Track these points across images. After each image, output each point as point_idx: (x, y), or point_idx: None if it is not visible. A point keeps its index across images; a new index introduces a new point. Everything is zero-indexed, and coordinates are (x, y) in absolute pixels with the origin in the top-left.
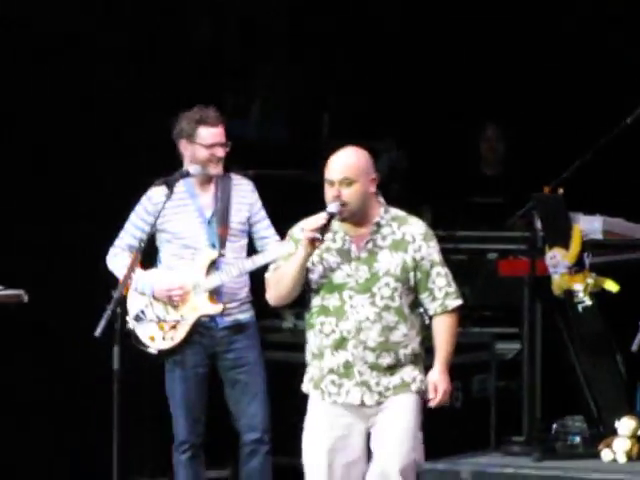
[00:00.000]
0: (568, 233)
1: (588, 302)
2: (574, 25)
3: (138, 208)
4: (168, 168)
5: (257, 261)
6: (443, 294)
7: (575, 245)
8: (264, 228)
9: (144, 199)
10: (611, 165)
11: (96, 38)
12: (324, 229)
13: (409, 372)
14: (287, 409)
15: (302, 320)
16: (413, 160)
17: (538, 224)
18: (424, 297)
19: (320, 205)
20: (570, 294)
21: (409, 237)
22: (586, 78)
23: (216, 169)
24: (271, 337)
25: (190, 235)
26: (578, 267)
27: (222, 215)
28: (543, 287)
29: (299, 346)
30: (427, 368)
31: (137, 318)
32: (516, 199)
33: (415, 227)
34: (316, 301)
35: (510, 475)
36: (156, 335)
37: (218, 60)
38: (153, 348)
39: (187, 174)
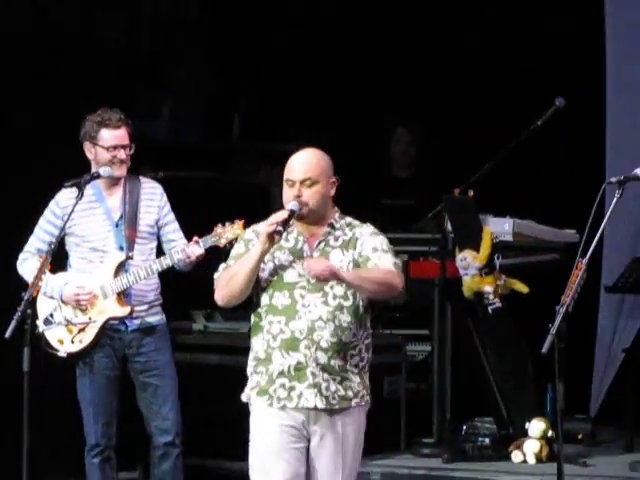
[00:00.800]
0: (478, 235)
1: (498, 304)
2: (483, 28)
3: (46, 211)
4: (80, 170)
5: (164, 262)
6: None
7: (485, 247)
8: (172, 231)
9: (52, 202)
10: (521, 167)
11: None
12: (285, 225)
13: (355, 385)
14: (198, 411)
15: (212, 322)
16: None
17: (448, 226)
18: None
19: (230, 206)
20: (480, 296)
21: (358, 235)
22: (497, 81)
23: (119, 171)
24: (181, 339)
25: (98, 238)
26: (488, 269)
27: (130, 218)
28: (453, 289)
29: (210, 348)
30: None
31: (46, 321)
32: (427, 201)
33: (364, 228)
34: (264, 300)
35: (420, 476)
36: (65, 338)
37: (130, 60)
38: (62, 351)
39: (97, 176)
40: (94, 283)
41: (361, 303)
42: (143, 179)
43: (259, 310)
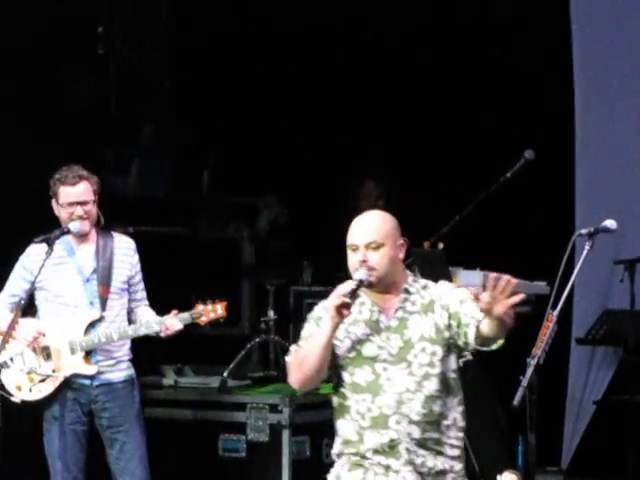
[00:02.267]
0: None
1: (469, 356)
2: (451, 81)
3: (17, 266)
4: (50, 224)
5: (140, 331)
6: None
7: None
8: (139, 290)
9: (22, 257)
10: (491, 219)
11: None
12: (353, 296)
13: (449, 459)
14: (170, 466)
15: (183, 376)
16: (294, 216)
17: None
18: (467, 333)
19: (199, 260)
20: None
21: (435, 296)
22: (466, 133)
23: (83, 226)
24: (152, 394)
25: (69, 293)
26: None
27: (103, 274)
28: None
29: (180, 403)
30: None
31: (4, 364)
32: None
33: (440, 286)
34: (346, 378)
35: None
36: (24, 385)
37: (98, 116)
38: (17, 397)
39: (67, 231)
40: (62, 336)
41: (451, 368)
42: (115, 234)
43: (342, 390)
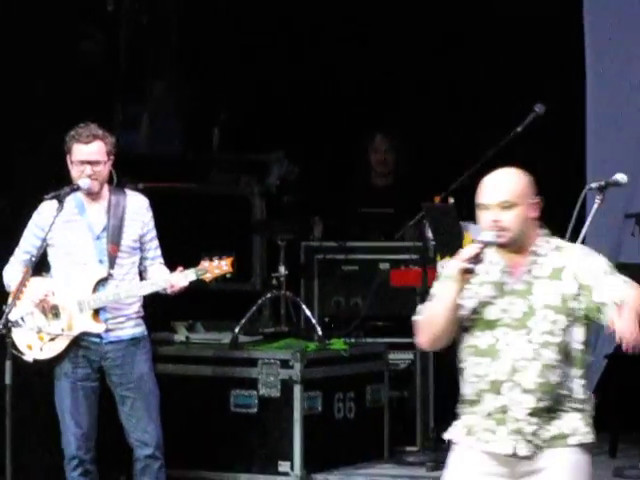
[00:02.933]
0: (459, 242)
1: None
2: (461, 36)
3: (30, 223)
4: (62, 181)
5: (147, 288)
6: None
7: None
8: (152, 249)
9: (35, 214)
10: None
11: None
12: (477, 259)
13: (570, 422)
14: (181, 422)
15: (194, 332)
16: (304, 172)
17: (429, 234)
18: (600, 313)
19: (210, 216)
20: None
21: (567, 261)
22: (476, 87)
23: (92, 185)
24: (163, 350)
25: (78, 251)
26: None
27: (114, 232)
28: None
29: (191, 359)
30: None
31: (15, 324)
32: (407, 209)
33: (576, 250)
34: (467, 340)
35: None
36: (34, 344)
37: (109, 73)
38: (29, 356)
39: (77, 188)
40: (71, 294)
41: (575, 338)
42: (129, 192)
43: (464, 351)
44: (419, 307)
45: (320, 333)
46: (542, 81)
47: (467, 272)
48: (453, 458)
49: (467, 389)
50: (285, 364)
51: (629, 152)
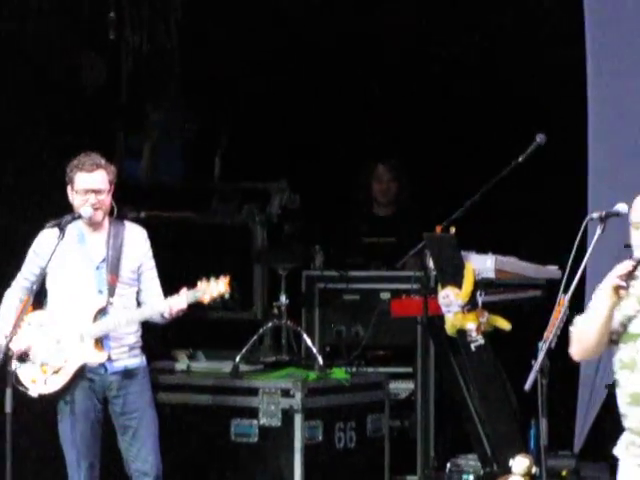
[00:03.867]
0: (460, 272)
1: (481, 341)
2: (465, 64)
3: (30, 251)
4: (66, 212)
5: (146, 313)
6: None
7: (467, 284)
8: (150, 279)
9: (35, 242)
10: (503, 204)
11: None
12: (630, 276)
13: None
14: (183, 451)
15: (196, 361)
16: (305, 201)
17: (430, 263)
18: None
19: (211, 246)
20: (463, 333)
21: None
22: (478, 117)
23: (95, 215)
24: (165, 379)
25: (77, 280)
26: (471, 306)
27: (113, 263)
28: (436, 326)
29: (192, 388)
30: None
31: (20, 359)
32: (408, 239)
33: None
34: (616, 353)
35: None
36: (38, 378)
37: (111, 101)
38: (33, 391)
39: (78, 217)
40: (72, 325)
41: None
42: (128, 223)
43: (614, 365)
44: (576, 318)
45: (321, 362)
46: (544, 111)
47: (619, 289)
48: (619, 475)
49: (619, 401)
50: (286, 393)
51: (631, 182)
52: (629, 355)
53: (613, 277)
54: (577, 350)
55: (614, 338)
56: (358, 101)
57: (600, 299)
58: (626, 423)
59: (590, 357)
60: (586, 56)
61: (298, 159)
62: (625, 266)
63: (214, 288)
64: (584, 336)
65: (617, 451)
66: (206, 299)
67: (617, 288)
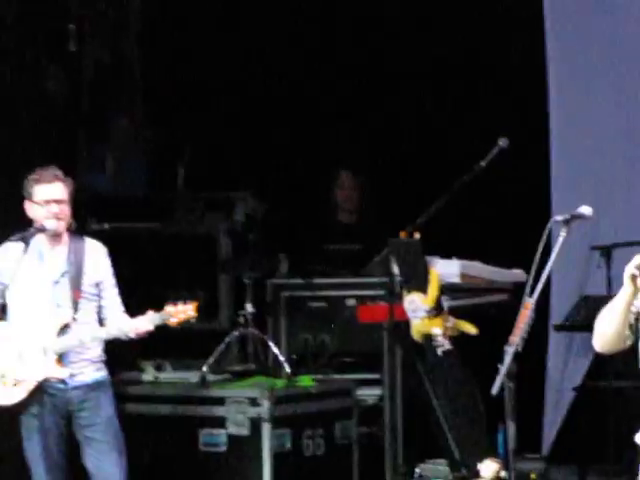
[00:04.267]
0: (425, 277)
1: (448, 346)
2: (427, 69)
3: None
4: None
5: (111, 332)
6: None
7: (433, 289)
8: (112, 295)
9: None
10: (468, 208)
11: None
12: None
13: None
14: (150, 461)
15: (162, 371)
16: (269, 209)
17: (395, 269)
18: None
19: (175, 256)
20: (429, 338)
21: None
22: (438, 122)
23: (58, 226)
24: (132, 389)
25: (37, 294)
26: (437, 311)
27: (74, 278)
28: (402, 332)
29: (160, 398)
30: None
31: None
32: (373, 245)
33: None
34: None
35: None
36: None
37: (72, 113)
38: None
39: (42, 229)
40: (34, 339)
41: None
42: (87, 239)
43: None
44: (600, 312)
45: (288, 370)
46: (506, 115)
47: (634, 278)
48: None
49: None
50: (253, 402)
51: (594, 184)
52: None
53: (630, 267)
54: (599, 342)
55: (631, 331)
56: (321, 109)
57: (620, 291)
58: None
59: (611, 349)
60: (547, 58)
61: (262, 168)
62: None
63: (182, 312)
64: (604, 328)
65: (638, 438)
66: (174, 322)
67: (634, 277)
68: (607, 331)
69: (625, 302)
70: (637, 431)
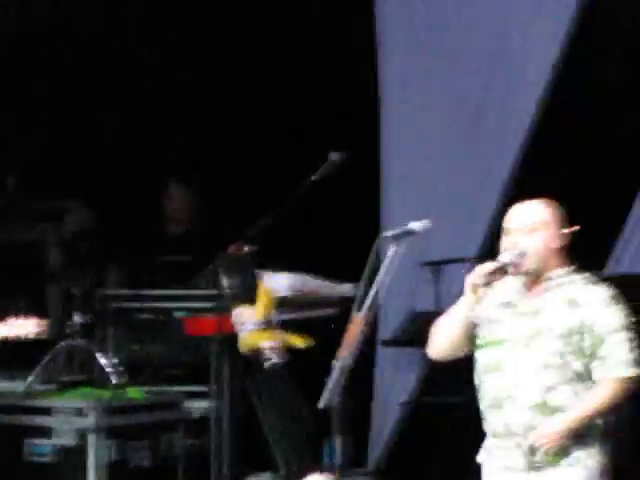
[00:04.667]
0: (254, 290)
1: (276, 359)
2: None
3: None
4: None
5: None
6: (613, 362)
7: (261, 302)
8: None
9: None
10: (299, 222)
11: None
12: (490, 278)
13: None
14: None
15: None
16: (100, 219)
17: (224, 282)
18: (594, 365)
19: (3, 263)
20: (257, 351)
21: (583, 300)
22: (271, 135)
23: None
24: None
25: None
26: (265, 324)
27: None
28: (230, 345)
29: (34, 409)
30: None
31: None
32: (202, 257)
33: (596, 291)
34: (479, 358)
35: None
36: None
37: None
38: None
39: None
40: None
41: (574, 365)
42: None
43: (477, 369)
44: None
45: (115, 381)
46: (338, 129)
47: (475, 287)
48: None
49: (480, 407)
50: (80, 413)
51: (424, 199)
52: (494, 359)
53: (473, 277)
54: (434, 349)
55: (477, 342)
56: (152, 118)
57: (460, 299)
58: (488, 428)
59: (445, 357)
60: (379, 73)
61: (93, 177)
62: (486, 266)
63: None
64: (441, 335)
65: (480, 458)
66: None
67: (475, 287)
68: (444, 338)
69: (464, 311)
70: (467, 448)
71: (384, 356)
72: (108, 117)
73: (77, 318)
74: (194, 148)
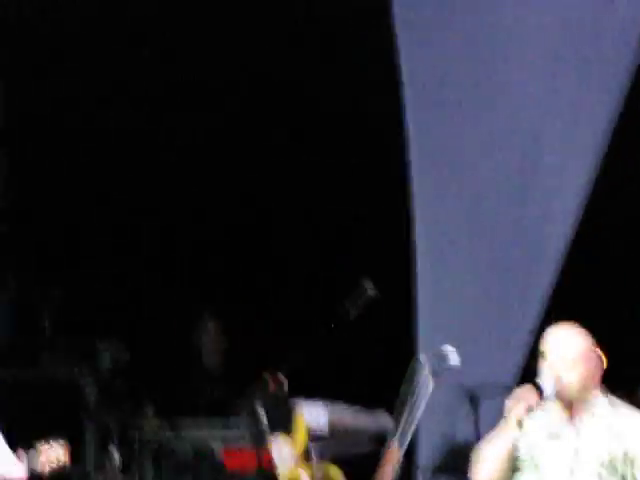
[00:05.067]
0: (290, 420)
1: None
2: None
3: None
4: None
5: None
6: None
7: (300, 434)
8: None
9: None
10: (333, 351)
11: None
12: (532, 408)
13: None
14: None
15: None
16: (135, 355)
17: (262, 414)
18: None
19: (40, 401)
20: None
21: (624, 425)
22: (301, 264)
23: None
24: None
25: None
26: (304, 457)
27: None
28: (270, 479)
29: None
30: None
31: None
32: (239, 390)
33: (635, 417)
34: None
35: None
36: None
37: None
38: None
39: None
40: None
41: None
42: None
43: None
44: (478, 446)
45: None
46: (371, 258)
47: (521, 419)
48: None
49: None
50: None
51: (459, 324)
52: None
53: (517, 411)
54: (480, 475)
55: (517, 465)
56: (185, 253)
57: (502, 429)
58: None
59: None
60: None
61: (128, 314)
62: (529, 397)
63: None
64: (486, 462)
65: None
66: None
67: (519, 421)
68: (492, 467)
69: (507, 442)
70: None
71: None
72: (140, 254)
73: (115, 455)
74: (223, 283)
